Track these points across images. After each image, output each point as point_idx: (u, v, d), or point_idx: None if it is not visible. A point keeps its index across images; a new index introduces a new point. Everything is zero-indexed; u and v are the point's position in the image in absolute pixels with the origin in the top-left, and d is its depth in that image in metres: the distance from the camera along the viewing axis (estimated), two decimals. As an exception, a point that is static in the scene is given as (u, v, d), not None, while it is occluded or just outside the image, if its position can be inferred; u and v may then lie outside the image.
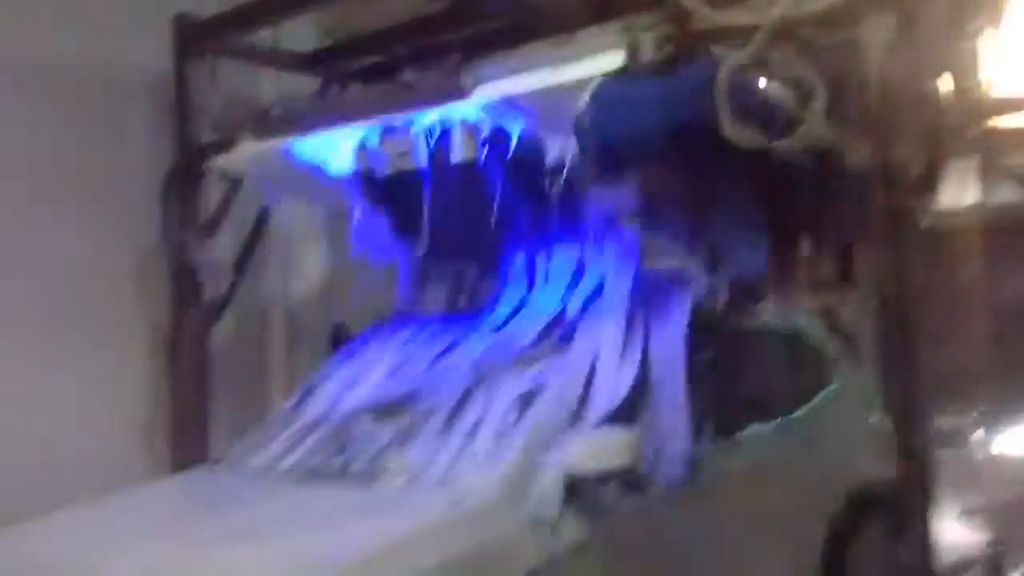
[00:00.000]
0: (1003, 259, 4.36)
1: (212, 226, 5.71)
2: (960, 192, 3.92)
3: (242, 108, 5.63)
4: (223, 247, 5.84)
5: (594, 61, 3.85)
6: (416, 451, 3.68)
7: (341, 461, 3.82)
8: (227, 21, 5.65)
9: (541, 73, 3.94)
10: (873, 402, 4.34)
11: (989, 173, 3.87)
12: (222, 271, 5.81)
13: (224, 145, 5.35)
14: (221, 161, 5.29)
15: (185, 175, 5.67)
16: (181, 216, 5.70)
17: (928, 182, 3.57)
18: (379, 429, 3.89)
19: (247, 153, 5.12)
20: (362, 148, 4.63)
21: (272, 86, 6.15)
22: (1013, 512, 4.12)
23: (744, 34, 3.60)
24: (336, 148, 4.74)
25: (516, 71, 3.99)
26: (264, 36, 6.03)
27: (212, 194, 5.69)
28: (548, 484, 3.37)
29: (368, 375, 4.32)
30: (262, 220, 5.90)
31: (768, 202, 4.20)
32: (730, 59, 3.58)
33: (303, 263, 6.23)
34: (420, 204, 4.58)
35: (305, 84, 6.09)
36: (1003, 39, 3.47)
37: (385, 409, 3.99)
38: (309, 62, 6.14)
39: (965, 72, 3.48)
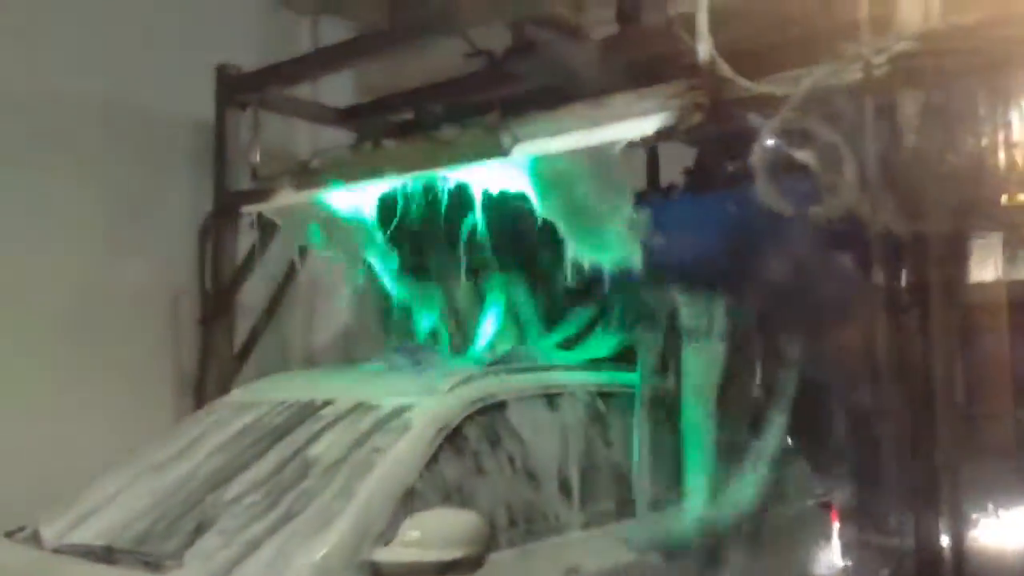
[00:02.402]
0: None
1: (243, 273, 5.80)
2: (986, 266, 3.94)
3: (280, 158, 5.75)
4: (251, 295, 5.92)
5: (630, 125, 3.94)
6: (218, 538, 3.07)
7: (134, 541, 3.25)
8: (268, 74, 5.81)
9: (577, 135, 4.03)
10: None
11: (1016, 247, 3.90)
12: (249, 318, 5.89)
13: (261, 194, 5.47)
14: (258, 209, 5.39)
15: (221, 222, 5.79)
16: (214, 262, 5.80)
17: (957, 255, 3.58)
18: (183, 507, 3.34)
19: (284, 202, 5.23)
20: (395, 200, 4.74)
21: (308, 138, 6.28)
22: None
23: (778, 103, 3.66)
24: (370, 200, 4.85)
25: (553, 132, 4.07)
26: (302, 89, 6.19)
27: (245, 242, 5.79)
28: None
29: (204, 440, 3.78)
30: (291, 270, 5.98)
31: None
32: (763, 127, 3.66)
33: (325, 313, 6.29)
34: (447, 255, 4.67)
35: (340, 138, 6.21)
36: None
37: (200, 483, 3.44)
38: (345, 116, 6.28)
39: (997, 145, 3.52)
